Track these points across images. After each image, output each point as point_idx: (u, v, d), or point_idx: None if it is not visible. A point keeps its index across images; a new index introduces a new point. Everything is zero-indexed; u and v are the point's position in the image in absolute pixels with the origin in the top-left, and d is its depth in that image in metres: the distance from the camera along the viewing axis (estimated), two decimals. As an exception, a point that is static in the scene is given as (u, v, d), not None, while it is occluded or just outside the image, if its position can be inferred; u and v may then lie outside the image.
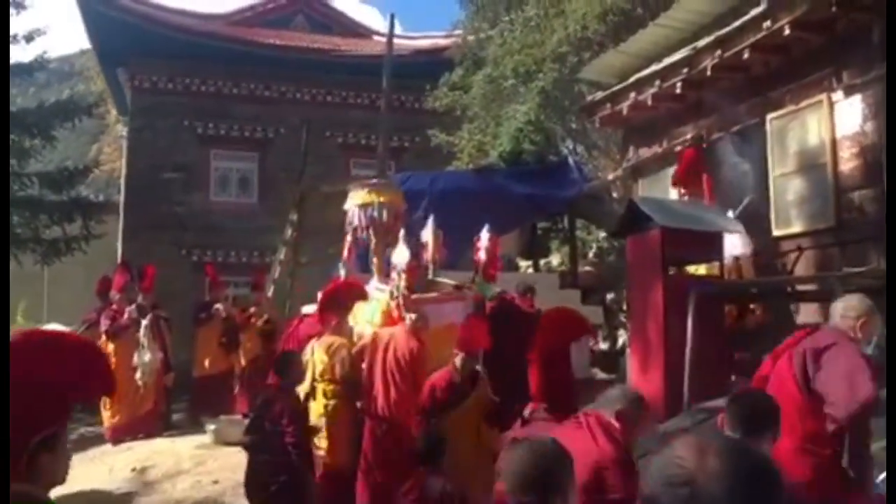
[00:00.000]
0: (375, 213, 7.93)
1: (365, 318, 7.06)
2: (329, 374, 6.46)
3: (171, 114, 17.36)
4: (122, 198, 17.78)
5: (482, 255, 7.78)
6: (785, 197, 7.16)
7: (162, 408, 9.67)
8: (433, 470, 4.75)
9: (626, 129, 9.91)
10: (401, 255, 7.13)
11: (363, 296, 7.21)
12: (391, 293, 7.08)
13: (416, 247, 7.69)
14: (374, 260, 7.97)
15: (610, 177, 11.50)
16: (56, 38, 53.60)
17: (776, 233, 7.18)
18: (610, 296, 11.90)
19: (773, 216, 7.21)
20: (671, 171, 8.71)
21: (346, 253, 8.30)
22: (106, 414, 9.12)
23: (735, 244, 6.84)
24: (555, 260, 15.63)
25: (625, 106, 8.82)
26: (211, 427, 8.42)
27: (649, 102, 8.44)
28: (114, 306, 9.35)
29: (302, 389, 6.30)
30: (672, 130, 8.69)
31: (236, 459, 7.80)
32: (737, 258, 6.86)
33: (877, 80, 5.96)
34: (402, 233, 7.43)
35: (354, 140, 18.09)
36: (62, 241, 14.02)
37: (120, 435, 8.98)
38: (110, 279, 9.99)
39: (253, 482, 5.56)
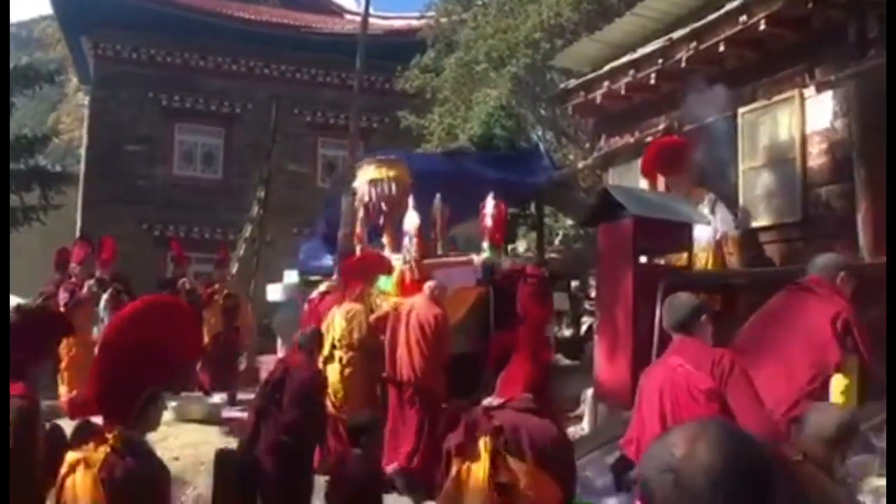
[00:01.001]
0: (385, 188, 8.12)
1: (378, 288, 7.46)
2: (347, 339, 6.75)
3: (134, 85, 17.01)
4: (82, 168, 17.40)
5: (488, 222, 8.00)
6: (753, 190, 7.25)
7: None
8: (364, 450, 4.66)
9: (598, 118, 9.93)
10: (411, 220, 7.50)
11: (389, 269, 7.50)
12: (403, 259, 7.45)
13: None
14: (386, 233, 8.13)
15: (580, 165, 11.55)
16: (14, 3, 51.97)
17: (744, 226, 7.27)
18: (575, 283, 11.97)
19: (741, 209, 7.29)
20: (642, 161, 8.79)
21: (358, 228, 8.48)
22: (63, 389, 8.93)
23: (718, 226, 6.89)
24: (521, 246, 15.67)
25: (598, 94, 8.83)
26: (172, 404, 8.28)
27: (623, 92, 8.47)
28: (73, 279, 9.14)
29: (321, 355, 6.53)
30: (644, 121, 8.73)
31: (197, 436, 7.72)
32: (718, 241, 6.90)
33: (850, 77, 6.05)
34: (410, 201, 7.77)
35: (323, 119, 17.93)
36: (20, 211, 13.69)
37: (78, 409, 8.79)
38: (69, 251, 9.78)
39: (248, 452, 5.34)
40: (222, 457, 5.42)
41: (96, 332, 8.72)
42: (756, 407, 3.27)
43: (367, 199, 8.32)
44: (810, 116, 6.61)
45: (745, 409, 3.21)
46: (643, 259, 6.67)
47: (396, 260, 7.65)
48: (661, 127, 8.34)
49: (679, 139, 7.74)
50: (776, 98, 6.95)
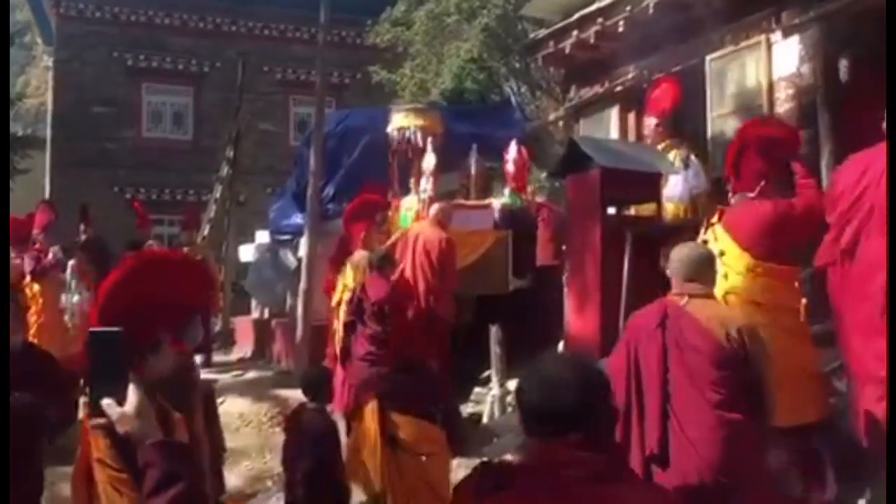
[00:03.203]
0: (411, 136, 8.43)
1: (399, 227, 7.93)
2: (355, 286, 6.85)
3: (99, 44, 16.65)
4: (48, 132, 17.09)
5: (510, 167, 8.19)
6: (723, 138, 7.20)
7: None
8: (318, 402, 4.65)
9: (569, 69, 9.79)
10: (429, 160, 7.89)
11: (384, 205, 7.91)
12: (419, 196, 7.86)
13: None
14: (413, 180, 8.28)
15: (551, 117, 11.44)
16: (-25, -39, 50.48)
17: (714, 174, 7.23)
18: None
19: (710, 158, 7.25)
20: (613, 111, 8.69)
21: (389, 174, 8.83)
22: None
23: (692, 182, 6.83)
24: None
25: (567, 44, 8.69)
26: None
27: (592, 41, 8.34)
28: (37, 246, 8.99)
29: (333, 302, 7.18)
30: (614, 70, 8.63)
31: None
32: (692, 198, 6.85)
33: (814, 20, 5.97)
34: (429, 141, 8.18)
35: (294, 76, 17.65)
36: (-16, 177, 13.40)
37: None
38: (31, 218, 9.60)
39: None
40: None
41: (64, 300, 8.62)
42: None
43: (393, 146, 8.54)
44: (777, 62, 6.54)
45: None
46: (612, 210, 6.63)
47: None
48: (630, 76, 8.24)
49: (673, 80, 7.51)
50: (743, 44, 6.86)
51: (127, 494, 2.09)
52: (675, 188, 6.82)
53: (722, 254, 4.00)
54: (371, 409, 4.48)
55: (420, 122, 8.57)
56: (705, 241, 4.19)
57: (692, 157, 6.93)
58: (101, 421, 1.72)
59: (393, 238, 7.46)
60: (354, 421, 4.63)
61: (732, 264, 4.00)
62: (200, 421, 3.21)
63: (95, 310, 2.48)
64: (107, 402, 1.66)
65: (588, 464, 1.62)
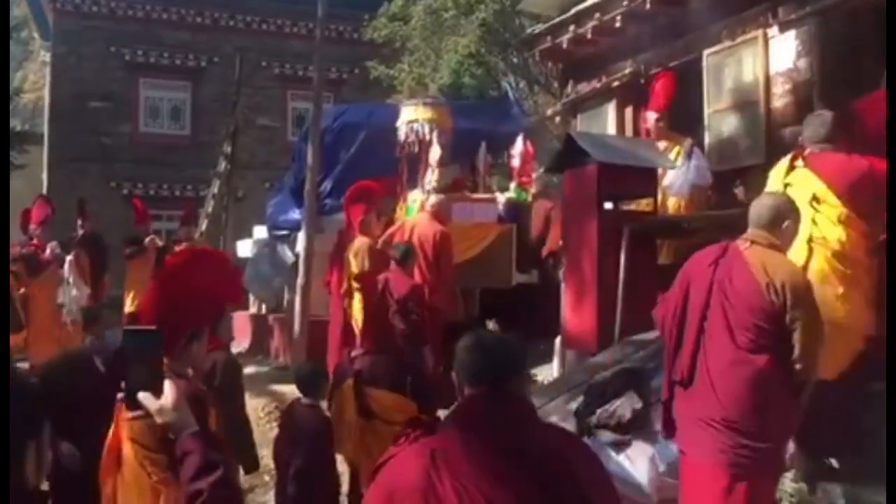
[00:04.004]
0: (420, 129, 8.42)
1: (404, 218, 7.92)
2: (356, 273, 7.09)
3: (96, 39, 16.61)
4: (45, 127, 17.06)
5: (516, 161, 8.19)
6: (719, 134, 7.20)
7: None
8: (312, 399, 4.66)
9: (566, 64, 9.79)
10: (434, 153, 7.94)
11: (382, 193, 7.89)
12: (424, 188, 7.92)
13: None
14: (421, 172, 8.25)
15: (549, 112, 11.44)
16: (-28, -44, 50.32)
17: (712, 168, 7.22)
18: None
19: (707, 153, 7.24)
20: (610, 106, 8.68)
21: (399, 167, 8.81)
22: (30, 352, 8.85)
23: (694, 175, 6.74)
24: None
25: (565, 39, 8.68)
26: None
27: (589, 36, 8.33)
28: (34, 241, 8.99)
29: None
30: (611, 65, 8.62)
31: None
32: (691, 193, 6.78)
33: (811, 15, 5.97)
34: (435, 135, 8.21)
35: (292, 71, 17.62)
36: (-18, 172, 13.38)
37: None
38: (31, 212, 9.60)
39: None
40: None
41: (61, 295, 8.61)
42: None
43: (402, 138, 8.54)
44: (774, 57, 6.54)
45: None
46: (609, 205, 6.64)
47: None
48: (627, 71, 8.24)
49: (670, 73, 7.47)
50: (740, 39, 6.86)
51: (156, 474, 2.30)
52: (674, 181, 6.78)
53: (815, 199, 3.89)
54: (348, 385, 4.90)
55: (430, 115, 8.56)
56: (787, 185, 4.06)
57: (696, 149, 6.77)
58: (140, 413, 1.82)
59: (390, 230, 7.46)
60: (333, 399, 5.00)
61: (826, 212, 3.88)
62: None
63: (148, 297, 2.78)
64: (143, 395, 1.76)
65: (508, 411, 1.91)
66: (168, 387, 1.78)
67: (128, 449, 2.41)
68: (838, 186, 3.89)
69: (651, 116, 7.23)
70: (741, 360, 3.22)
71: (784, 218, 3.44)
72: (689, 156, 6.75)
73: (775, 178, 4.22)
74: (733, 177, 6.94)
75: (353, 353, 5.33)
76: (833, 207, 3.88)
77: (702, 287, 3.37)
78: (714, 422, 3.23)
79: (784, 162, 4.25)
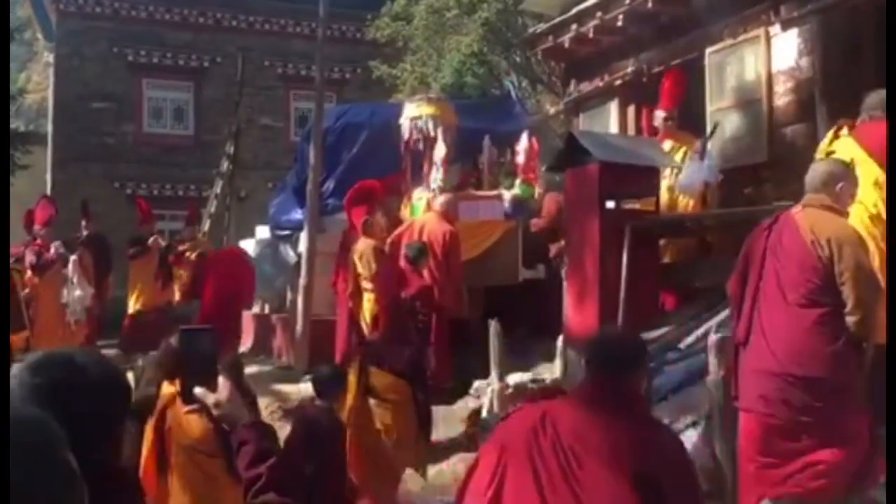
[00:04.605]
0: (423, 126, 8.36)
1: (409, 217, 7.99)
2: (365, 273, 7.28)
3: (99, 40, 16.62)
4: (49, 128, 17.10)
5: (521, 158, 8.18)
6: (722, 132, 7.19)
7: (91, 346, 9.44)
8: (327, 402, 4.66)
9: (568, 63, 9.79)
10: (439, 150, 7.92)
11: (384, 192, 8.02)
12: (429, 187, 7.90)
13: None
14: (426, 169, 8.32)
15: (551, 111, 11.43)
16: (-24, -43, 50.37)
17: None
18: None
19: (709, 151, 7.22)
20: (612, 105, 8.68)
21: (403, 165, 8.79)
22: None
23: (706, 174, 6.64)
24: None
25: (567, 38, 8.68)
26: (142, 363, 8.26)
27: (591, 35, 8.33)
28: (38, 241, 9.02)
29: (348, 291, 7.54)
30: (613, 64, 8.62)
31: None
32: (705, 186, 6.70)
33: (813, 13, 5.96)
34: (440, 131, 8.17)
35: (294, 71, 17.61)
36: (-14, 173, 13.42)
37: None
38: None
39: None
40: None
41: (65, 295, 8.64)
42: None
43: (406, 136, 8.52)
44: (776, 55, 6.53)
45: None
46: (611, 204, 6.63)
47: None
48: (629, 70, 8.24)
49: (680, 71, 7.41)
50: (742, 37, 6.85)
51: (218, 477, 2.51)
52: (688, 180, 6.68)
53: (853, 163, 3.97)
54: (354, 366, 5.32)
55: (433, 110, 8.54)
56: (831, 153, 4.20)
57: (709, 147, 6.63)
58: (196, 406, 2.09)
59: (399, 229, 7.46)
60: None
61: (864, 175, 3.94)
62: None
63: (209, 292, 2.88)
64: (200, 391, 1.89)
65: (614, 399, 2.32)
66: (222, 382, 1.88)
67: (182, 456, 2.51)
68: (877, 151, 3.97)
69: (659, 115, 7.19)
70: (794, 315, 3.38)
71: (838, 180, 3.57)
72: (701, 154, 6.63)
73: (820, 149, 4.37)
74: (736, 175, 6.94)
75: (368, 338, 5.87)
76: (870, 171, 3.95)
77: (757, 253, 3.58)
78: (769, 374, 3.39)
79: (829, 134, 4.36)
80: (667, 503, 2.19)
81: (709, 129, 6.86)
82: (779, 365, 3.37)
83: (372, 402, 5.22)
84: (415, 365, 5.43)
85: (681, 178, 6.72)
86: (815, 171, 3.63)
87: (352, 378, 5.16)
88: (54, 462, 0.91)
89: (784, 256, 3.46)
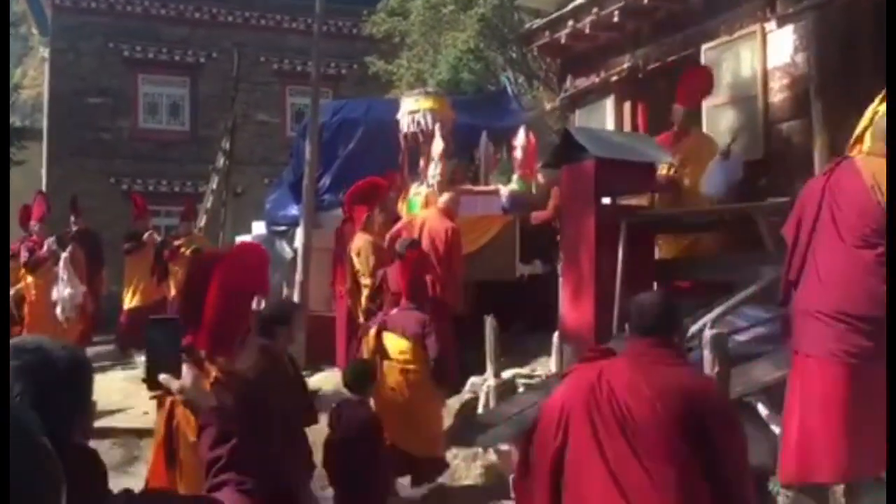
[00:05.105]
0: (421, 120, 8.36)
1: (409, 212, 7.96)
2: (363, 270, 7.34)
3: (95, 35, 16.56)
4: (44, 123, 17.05)
5: (518, 154, 8.15)
6: (717, 128, 7.19)
7: (87, 343, 9.40)
8: (360, 395, 4.71)
9: (565, 59, 9.78)
10: (437, 145, 7.90)
11: (385, 190, 8.04)
12: (428, 182, 7.87)
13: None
14: (423, 164, 8.30)
15: (547, 107, 11.42)
16: (-29, -49, 50.14)
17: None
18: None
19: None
20: (608, 101, 8.67)
21: (400, 159, 8.78)
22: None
23: (731, 175, 6.51)
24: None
25: (563, 34, 8.67)
26: (140, 359, 8.26)
27: (587, 31, 8.32)
28: (33, 237, 8.99)
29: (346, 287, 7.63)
30: (609, 60, 8.62)
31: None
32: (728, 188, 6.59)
33: (809, 9, 5.96)
34: (437, 127, 8.14)
35: (290, 66, 17.57)
36: (-19, 168, 13.38)
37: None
38: (31, 208, 9.61)
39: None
40: None
41: (55, 293, 8.60)
42: None
43: (404, 130, 8.52)
44: (771, 51, 6.53)
45: None
46: (607, 200, 6.62)
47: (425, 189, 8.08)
48: (625, 66, 8.23)
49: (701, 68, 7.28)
50: (738, 33, 6.85)
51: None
52: (713, 181, 6.46)
53: None
54: (372, 332, 5.82)
55: (431, 104, 8.53)
56: (876, 113, 4.17)
57: (733, 146, 6.44)
58: (159, 393, 2.03)
59: (398, 225, 7.44)
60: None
61: None
62: None
63: (218, 287, 2.89)
64: (164, 377, 1.92)
65: (657, 354, 2.61)
66: (185, 369, 1.93)
67: (188, 453, 2.53)
68: None
69: (678, 111, 6.98)
70: (850, 255, 3.40)
71: None
72: (726, 155, 6.44)
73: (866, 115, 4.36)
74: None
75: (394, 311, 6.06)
76: None
77: (815, 195, 3.62)
78: (822, 314, 3.40)
79: (876, 100, 4.35)
80: (713, 446, 2.44)
81: (708, 122, 6.85)
82: (834, 306, 3.39)
83: (385, 364, 5.65)
84: (426, 329, 5.75)
85: (703, 179, 6.53)
86: (881, 124, 3.64)
87: (370, 342, 5.72)
88: (32, 446, 0.98)
89: (843, 199, 3.49)
